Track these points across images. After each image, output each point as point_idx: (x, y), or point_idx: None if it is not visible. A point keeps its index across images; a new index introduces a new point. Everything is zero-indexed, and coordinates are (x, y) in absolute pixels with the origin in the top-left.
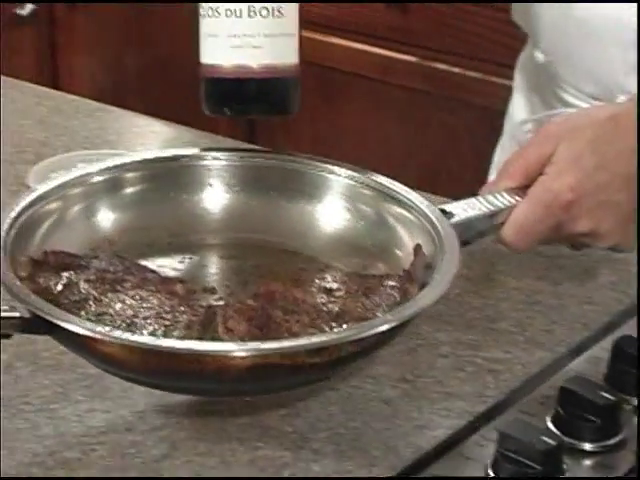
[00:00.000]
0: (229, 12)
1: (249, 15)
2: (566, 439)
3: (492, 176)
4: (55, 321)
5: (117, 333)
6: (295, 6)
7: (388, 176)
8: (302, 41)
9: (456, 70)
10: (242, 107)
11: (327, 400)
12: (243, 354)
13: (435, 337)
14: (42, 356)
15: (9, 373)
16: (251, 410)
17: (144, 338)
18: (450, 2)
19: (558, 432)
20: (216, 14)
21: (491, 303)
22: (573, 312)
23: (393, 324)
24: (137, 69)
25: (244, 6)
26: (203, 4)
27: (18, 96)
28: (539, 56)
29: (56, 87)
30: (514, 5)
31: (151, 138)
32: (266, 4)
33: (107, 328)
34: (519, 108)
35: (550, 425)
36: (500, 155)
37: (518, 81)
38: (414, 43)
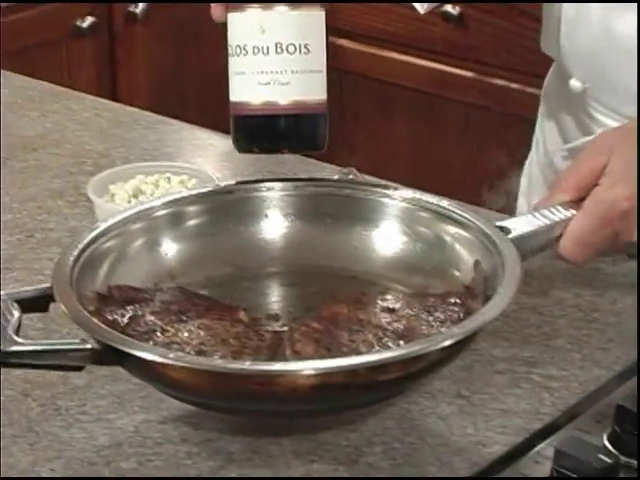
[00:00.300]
0: (256, 49)
1: (276, 52)
2: (622, 457)
3: (523, 185)
4: (127, 350)
5: (190, 358)
6: (322, 42)
7: (444, 192)
8: (361, 55)
9: (514, 86)
10: (271, 144)
11: (383, 415)
12: (314, 372)
13: (491, 353)
14: (99, 367)
15: (66, 383)
16: (306, 423)
17: (218, 361)
18: None
19: (614, 450)
20: (244, 52)
21: (548, 320)
22: (630, 330)
23: (461, 337)
24: (195, 82)
25: (271, 43)
26: (231, 43)
27: (78, 107)
28: (576, 84)
29: (115, 99)
30: (545, 36)
31: (209, 151)
32: (293, 41)
33: (180, 354)
34: (551, 136)
35: (607, 443)
36: (526, 184)
37: (546, 109)
38: (472, 58)
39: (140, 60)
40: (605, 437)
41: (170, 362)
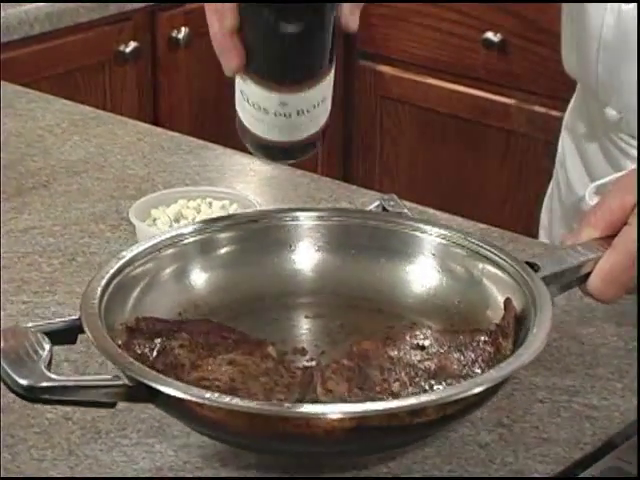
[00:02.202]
0: (278, 114)
1: (297, 115)
2: None
3: (543, 220)
4: (161, 388)
5: (227, 399)
6: (332, 81)
7: (484, 219)
8: (401, 82)
9: (554, 113)
10: (276, 160)
11: (423, 442)
12: (353, 416)
13: (532, 382)
14: None
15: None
16: None
17: (254, 403)
18: None
19: None
20: (264, 111)
21: (589, 349)
22: None
23: (498, 381)
24: None
25: (293, 110)
26: (249, 97)
27: (121, 132)
28: (611, 113)
29: (156, 124)
30: (575, 61)
31: (251, 176)
32: (315, 103)
33: (215, 394)
34: (575, 170)
35: None
36: (547, 219)
37: (569, 141)
38: (513, 85)
39: (182, 85)
40: None
41: (206, 402)
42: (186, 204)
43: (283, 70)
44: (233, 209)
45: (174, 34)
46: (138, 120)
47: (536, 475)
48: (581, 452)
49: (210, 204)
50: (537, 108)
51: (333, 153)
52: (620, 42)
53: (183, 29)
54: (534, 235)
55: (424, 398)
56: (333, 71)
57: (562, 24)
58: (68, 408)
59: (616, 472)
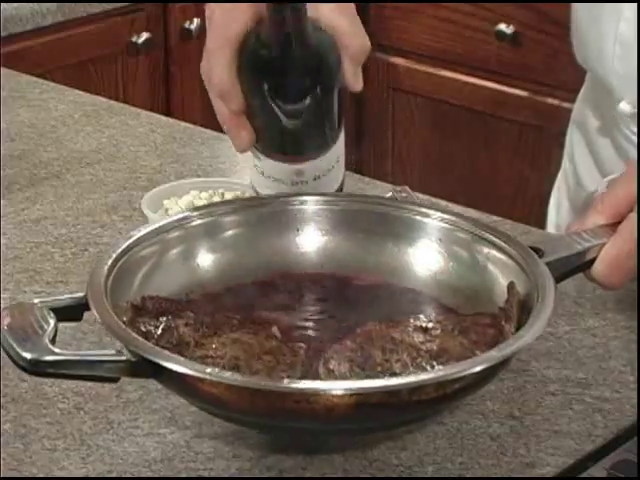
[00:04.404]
0: (294, 183)
1: (314, 180)
2: None
3: (550, 215)
4: (163, 363)
5: (227, 374)
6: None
7: (496, 210)
8: (414, 73)
9: (567, 105)
10: None
11: (434, 434)
12: (354, 392)
13: (544, 374)
14: (151, 381)
15: (119, 397)
16: (358, 442)
17: (254, 378)
18: None
19: None
20: (280, 181)
21: (601, 341)
22: None
23: (497, 361)
24: None
25: (309, 177)
26: (264, 170)
27: (133, 123)
28: (625, 107)
29: (169, 115)
30: (590, 54)
31: None
32: (329, 167)
33: (216, 369)
34: (585, 165)
35: None
36: (555, 213)
37: (579, 136)
38: (526, 77)
39: (194, 76)
40: None
41: (208, 378)
42: (198, 195)
43: (296, 146)
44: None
45: (186, 25)
46: (151, 111)
47: (547, 467)
48: (592, 445)
49: (222, 195)
50: (550, 100)
51: (345, 145)
52: (637, 35)
53: (195, 20)
54: (545, 227)
55: (424, 376)
56: (343, 130)
57: (572, 16)
58: (79, 398)
59: (627, 465)
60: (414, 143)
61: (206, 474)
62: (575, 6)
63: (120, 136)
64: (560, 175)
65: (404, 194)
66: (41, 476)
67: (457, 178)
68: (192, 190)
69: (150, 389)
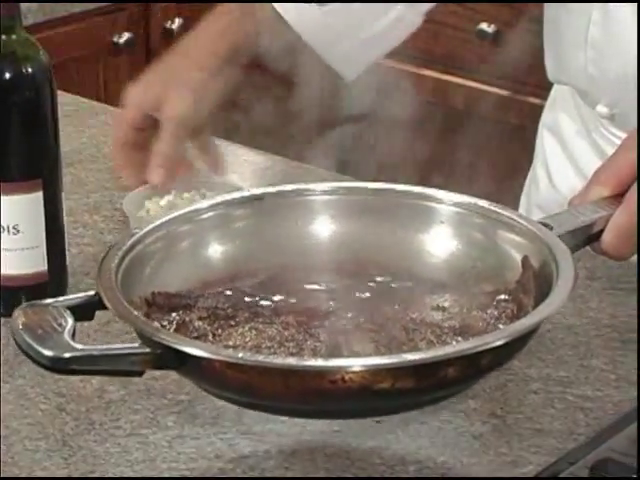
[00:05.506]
0: None
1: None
2: None
3: (521, 207)
4: (192, 351)
5: (262, 357)
6: (37, 221)
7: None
8: (394, 72)
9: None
10: None
11: (417, 433)
12: (401, 365)
13: (526, 373)
14: (133, 381)
15: (101, 397)
16: (340, 441)
17: (291, 359)
18: None
19: None
20: None
21: (583, 340)
22: None
23: (531, 327)
24: (230, 98)
25: None
26: None
27: (114, 123)
28: (603, 110)
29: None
30: (558, 65)
31: (245, 167)
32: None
33: (248, 353)
34: (561, 170)
35: None
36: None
37: (554, 142)
38: (507, 77)
39: None
40: None
41: (242, 362)
42: (180, 195)
43: None
44: None
45: (168, 25)
46: None
47: (530, 466)
48: (575, 443)
49: (204, 195)
50: (531, 99)
51: (327, 144)
52: (607, 37)
53: (177, 20)
54: None
55: (459, 347)
56: None
57: (544, 35)
58: (61, 398)
59: (610, 463)
60: (395, 142)
61: (188, 474)
62: (546, 25)
63: (101, 136)
64: (528, 181)
65: None
66: (23, 476)
67: (438, 177)
68: (173, 190)
69: (131, 390)
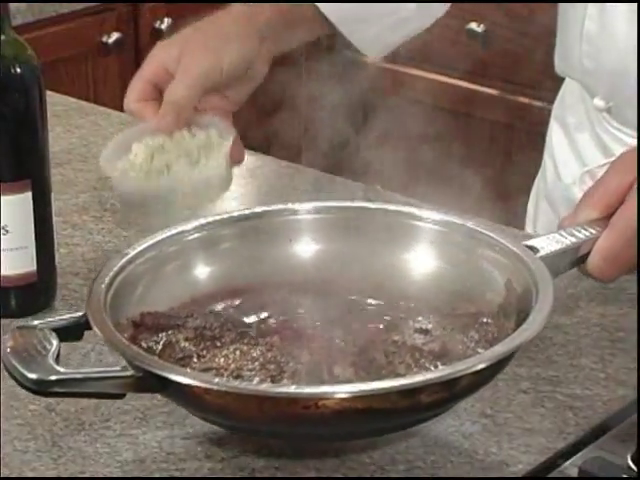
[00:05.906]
0: None
1: None
2: None
3: (528, 225)
4: (170, 376)
5: (235, 383)
6: (26, 222)
7: (468, 210)
8: (383, 72)
9: (538, 104)
10: None
11: (406, 433)
12: (365, 394)
13: (515, 372)
14: None
15: (90, 398)
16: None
17: (263, 386)
18: None
19: (638, 470)
20: None
21: (573, 339)
22: None
23: (505, 355)
24: None
25: None
26: None
27: (104, 123)
28: (599, 103)
29: None
30: (562, 58)
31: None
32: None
33: (223, 379)
34: (566, 160)
35: (630, 463)
36: (533, 211)
37: (560, 132)
38: (496, 76)
39: None
40: (629, 457)
41: (215, 388)
42: (169, 136)
43: None
44: (214, 135)
45: (157, 25)
46: (121, 111)
47: (519, 465)
48: (564, 442)
49: (194, 135)
50: (521, 99)
51: (317, 144)
52: (602, 31)
53: (166, 20)
54: (519, 225)
55: (430, 375)
56: None
57: (557, 29)
58: (51, 399)
59: (599, 462)
60: (385, 142)
61: (178, 474)
62: (558, 22)
63: (91, 136)
64: (540, 174)
65: (375, 193)
66: (13, 477)
67: (428, 177)
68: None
69: None
